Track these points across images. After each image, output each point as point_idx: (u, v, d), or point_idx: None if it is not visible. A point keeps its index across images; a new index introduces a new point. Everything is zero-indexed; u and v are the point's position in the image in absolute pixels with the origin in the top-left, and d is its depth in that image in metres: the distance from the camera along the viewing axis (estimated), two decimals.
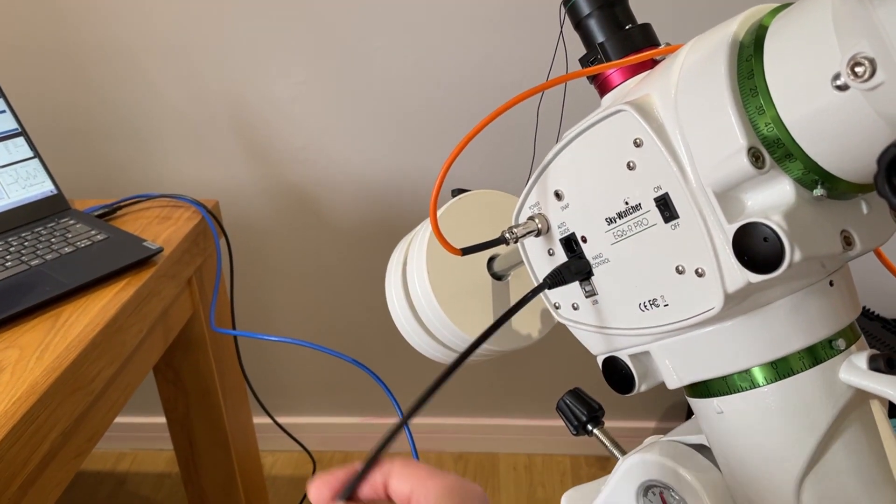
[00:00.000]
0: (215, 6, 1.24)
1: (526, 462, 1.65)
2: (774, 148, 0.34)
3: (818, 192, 0.34)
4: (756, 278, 0.35)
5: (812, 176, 0.34)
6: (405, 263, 0.65)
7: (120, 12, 1.26)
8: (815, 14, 0.31)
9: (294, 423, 1.53)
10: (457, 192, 0.69)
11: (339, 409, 1.68)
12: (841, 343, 0.39)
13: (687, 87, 0.36)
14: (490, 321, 0.62)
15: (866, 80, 0.29)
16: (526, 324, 0.62)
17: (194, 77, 1.30)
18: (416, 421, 1.69)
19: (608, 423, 0.55)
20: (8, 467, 0.65)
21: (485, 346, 0.61)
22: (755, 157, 0.34)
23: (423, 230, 0.65)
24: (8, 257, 0.91)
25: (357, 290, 1.50)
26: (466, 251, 0.48)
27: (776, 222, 0.33)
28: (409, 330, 0.65)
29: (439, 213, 0.64)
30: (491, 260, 0.63)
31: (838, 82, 0.30)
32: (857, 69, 0.29)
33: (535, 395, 1.60)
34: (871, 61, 0.28)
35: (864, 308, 1.32)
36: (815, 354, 0.39)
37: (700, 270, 0.37)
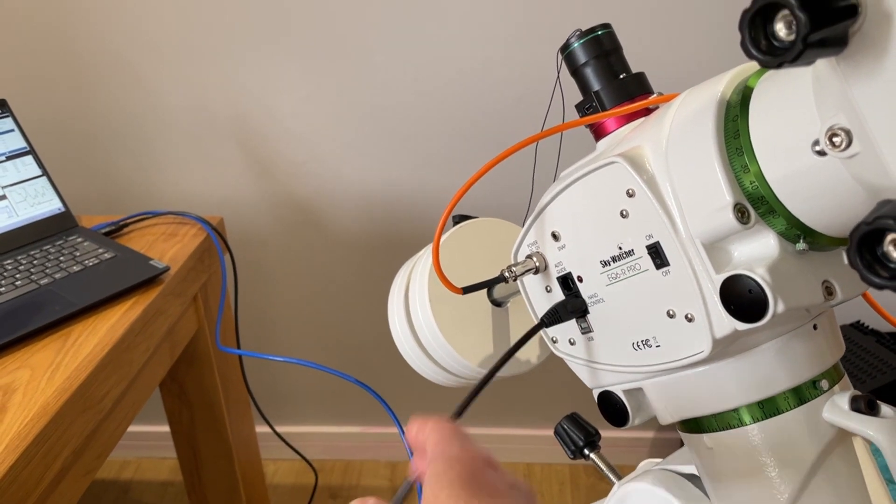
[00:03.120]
0: (219, 24, 1.26)
1: (525, 470, 1.67)
2: (759, 204, 0.36)
3: (800, 246, 0.36)
4: (742, 326, 0.36)
5: (794, 231, 0.36)
6: (407, 289, 0.67)
7: (125, 30, 1.28)
8: (797, 81, 0.33)
9: (296, 433, 1.55)
10: (458, 218, 0.70)
11: (341, 419, 1.70)
12: (824, 384, 0.41)
13: (677, 142, 0.38)
14: (490, 347, 0.64)
15: (843, 150, 0.30)
16: (525, 351, 0.64)
17: (198, 92, 1.32)
18: None
19: (609, 434, 0.57)
20: (21, 488, 0.67)
21: (478, 369, 0.63)
22: (741, 213, 0.36)
23: (426, 258, 0.66)
24: (18, 276, 0.93)
25: (358, 301, 1.52)
26: (467, 290, 0.49)
27: (760, 275, 0.35)
28: (410, 353, 0.66)
29: (441, 240, 0.66)
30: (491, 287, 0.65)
31: (817, 148, 0.32)
32: (835, 139, 0.31)
33: (535, 406, 1.62)
34: (848, 133, 0.30)
35: (858, 322, 1.33)
36: (801, 394, 0.41)
37: (689, 316, 0.39)
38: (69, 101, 1.33)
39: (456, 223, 0.70)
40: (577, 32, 0.47)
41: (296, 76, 1.30)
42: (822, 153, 0.32)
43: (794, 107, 0.33)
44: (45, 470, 0.71)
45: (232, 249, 1.13)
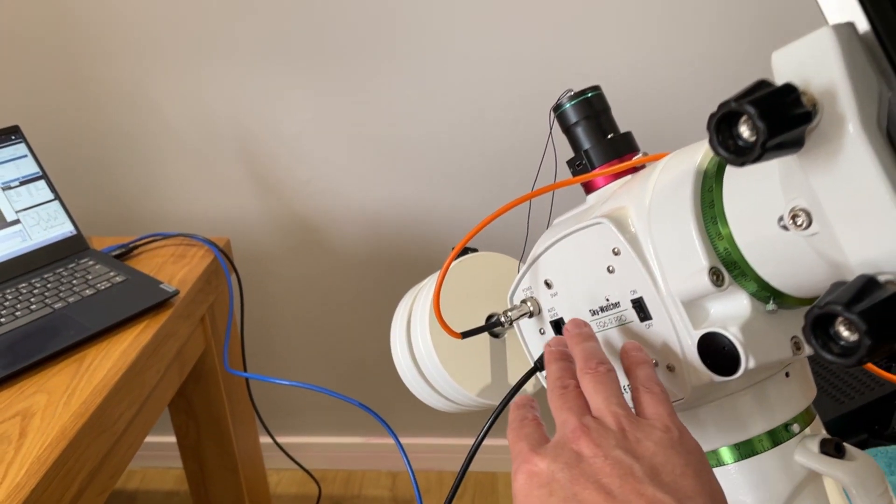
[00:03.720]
0: (226, 47, 1.29)
1: None
2: (732, 268, 0.39)
3: (770, 306, 0.39)
4: (718, 379, 0.40)
5: (765, 292, 0.39)
6: (409, 320, 0.70)
7: (135, 53, 1.31)
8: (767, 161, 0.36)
9: (298, 443, 1.58)
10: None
11: (343, 430, 1.73)
12: (796, 427, 0.44)
13: (658, 206, 0.42)
14: (488, 377, 0.67)
15: (804, 229, 0.34)
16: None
17: (206, 113, 1.35)
18: (420, 441, 1.74)
19: None
20: None
21: (484, 402, 0.66)
22: (716, 276, 0.39)
23: (427, 290, 0.69)
24: (32, 300, 0.97)
25: (360, 317, 1.55)
26: (466, 335, 0.53)
27: (734, 333, 0.38)
28: (410, 380, 0.70)
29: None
30: (490, 318, 0.68)
31: (782, 223, 0.35)
32: (797, 219, 0.34)
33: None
34: (808, 214, 0.33)
35: None
36: (775, 437, 0.44)
37: (670, 366, 0.43)
38: (77, 123, 1.36)
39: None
40: (569, 93, 0.50)
41: (301, 99, 1.33)
42: (785, 228, 0.35)
43: (762, 184, 0.36)
44: (63, 492, 0.74)
45: (238, 269, 1.17)
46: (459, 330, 0.59)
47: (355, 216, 1.43)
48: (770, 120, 0.29)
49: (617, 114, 0.51)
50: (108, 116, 1.36)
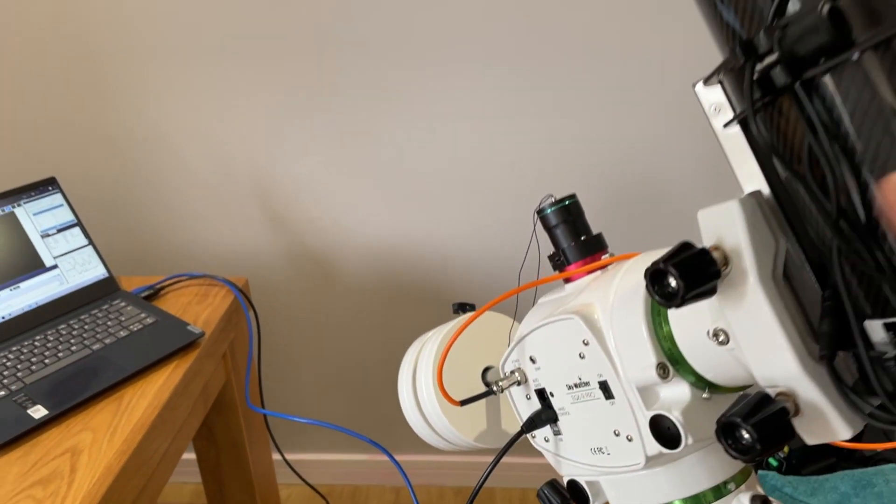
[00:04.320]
0: (244, 97, 1.39)
1: (521, 496, 1.80)
2: (675, 363, 0.49)
3: (706, 395, 0.49)
4: (666, 450, 0.50)
5: (701, 383, 0.49)
6: (415, 372, 0.80)
7: (156, 102, 1.41)
8: None
9: (308, 460, 1.68)
10: (456, 306, 0.84)
11: (349, 448, 1.83)
12: (732, 486, 0.54)
13: (618, 308, 0.52)
14: (484, 424, 0.77)
15: (724, 344, 0.44)
16: (510, 427, 0.77)
17: (223, 157, 1.45)
18: (421, 459, 1.84)
19: None
20: None
21: (479, 446, 0.76)
22: (662, 370, 0.49)
23: (432, 343, 0.79)
24: (72, 340, 1.07)
25: (367, 343, 1.65)
26: (464, 402, 0.62)
27: (676, 416, 0.48)
28: (415, 422, 0.80)
29: (445, 329, 0.79)
30: (486, 371, 0.78)
31: (709, 336, 0.45)
32: (718, 336, 0.44)
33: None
34: (727, 334, 0.43)
35: None
36: (717, 492, 0.54)
37: (629, 437, 0.52)
38: (110, 169, 1.47)
39: (455, 311, 0.84)
40: (550, 200, 0.60)
41: (311, 142, 1.43)
42: (712, 340, 0.45)
43: (696, 305, 0.46)
44: None
45: (253, 297, 1.27)
46: (458, 390, 0.69)
47: (361, 249, 1.53)
48: (687, 279, 0.39)
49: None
50: (136, 164, 1.46)
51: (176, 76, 1.40)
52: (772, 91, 0.36)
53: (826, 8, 0.31)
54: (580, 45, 1.31)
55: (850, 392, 0.37)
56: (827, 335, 0.38)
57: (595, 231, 0.61)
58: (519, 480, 1.81)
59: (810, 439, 0.41)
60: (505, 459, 1.91)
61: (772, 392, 0.41)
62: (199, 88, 1.40)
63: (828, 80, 0.34)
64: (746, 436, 0.39)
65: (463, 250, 1.52)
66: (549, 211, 0.60)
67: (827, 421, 0.40)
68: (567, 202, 0.60)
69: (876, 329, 0.36)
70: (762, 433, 0.38)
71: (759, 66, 0.35)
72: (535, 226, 0.62)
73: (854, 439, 0.41)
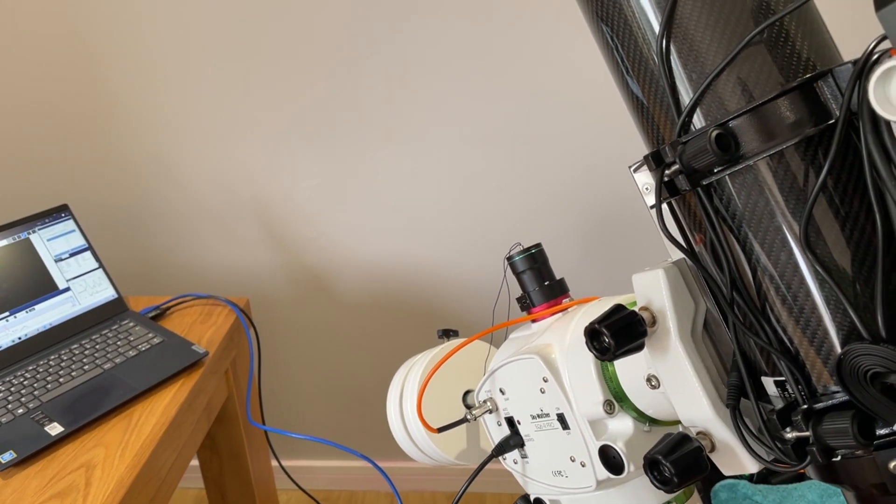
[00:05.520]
0: (243, 122, 1.47)
1: (510, 501, 1.88)
2: (620, 400, 0.56)
3: (646, 427, 0.57)
4: (613, 476, 0.57)
5: (643, 417, 0.56)
6: (402, 395, 0.88)
7: (163, 134, 1.49)
8: None
9: (305, 466, 1.76)
10: (441, 333, 0.91)
11: (345, 454, 1.91)
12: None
13: (573, 350, 0.59)
14: (464, 443, 0.85)
15: (657, 388, 0.51)
16: (489, 446, 0.85)
17: (225, 182, 1.53)
18: (414, 465, 1.91)
19: None
20: None
21: (460, 463, 0.84)
22: (609, 405, 0.56)
23: (416, 370, 0.87)
24: (85, 360, 1.14)
25: (362, 357, 1.73)
26: (441, 430, 0.70)
27: (620, 447, 0.56)
28: (402, 440, 0.87)
29: (430, 355, 0.87)
30: (466, 394, 0.85)
31: (645, 380, 0.53)
32: (651, 381, 0.51)
33: None
34: (658, 380, 0.51)
35: None
36: None
37: (583, 462, 0.60)
38: (118, 192, 1.54)
39: (440, 337, 0.91)
40: (518, 248, 0.68)
41: (309, 165, 1.51)
42: (647, 383, 0.52)
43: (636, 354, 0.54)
44: None
45: (256, 323, 1.34)
46: (441, 411, 0.76)
47: (357, 269, 1.61)
48: (617, 339, 0.46)
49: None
50: (142, 187, 1.54)
51: (177, 109, 1.47)
52: (679, 191, 0.44)
53: (714, 134, 0.38)
54: (573, 75, 1.38)
55: (750, 438, 0.45)
56: (734, 387, 0.46)
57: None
58: (508, 486, 1.88)
59: (726, 471, 0.49)
60: (495, 466, 1.98)
61: (693, 431, 0.49)
62: (200, 117, 1.48)
63: (726, 181, 0.42)
64: (666, 471, 0.46)
65: (455, 272, 1.59)
66: (517, 258, 0.68)
67: (737, 456, 0.47)
68: (533, 251, 0.67)
69: (769, 385, 0.44)
70: (679, 468, 0.45)
71: (667, 171, 0.42)
72: (504, 271, 0.69)
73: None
